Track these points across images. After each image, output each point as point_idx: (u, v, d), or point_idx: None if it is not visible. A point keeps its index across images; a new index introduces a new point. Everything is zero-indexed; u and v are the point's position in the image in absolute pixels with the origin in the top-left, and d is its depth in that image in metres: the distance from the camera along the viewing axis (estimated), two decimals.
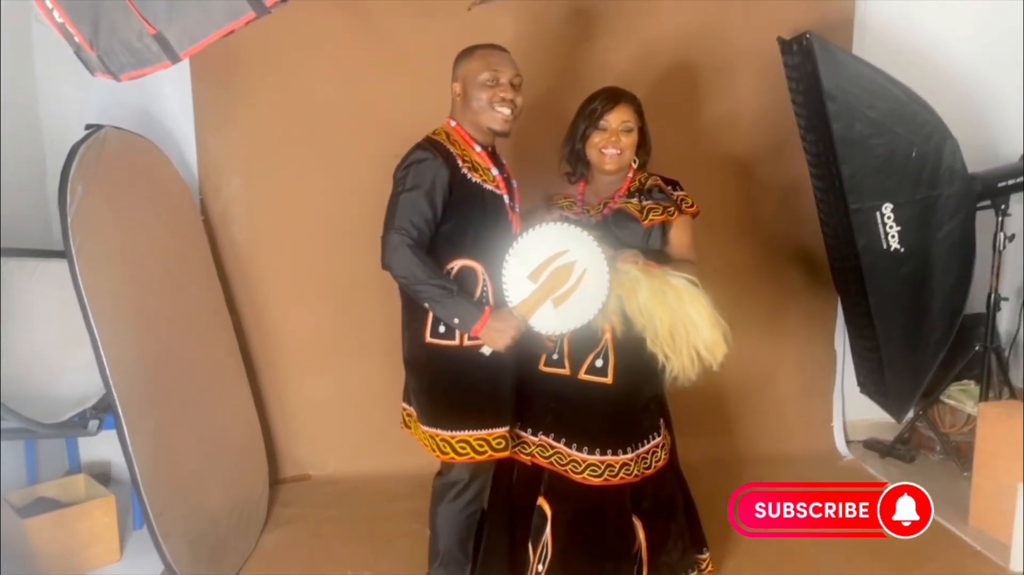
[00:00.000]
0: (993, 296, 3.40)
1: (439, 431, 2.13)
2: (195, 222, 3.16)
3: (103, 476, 3.21)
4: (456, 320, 2.03)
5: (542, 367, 2.34)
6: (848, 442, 3.80)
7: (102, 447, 3.25)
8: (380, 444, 3.41)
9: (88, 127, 2.55)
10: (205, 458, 2.71)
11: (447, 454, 2.13)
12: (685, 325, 2.15)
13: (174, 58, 1.52)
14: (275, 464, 3.42)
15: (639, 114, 2.39)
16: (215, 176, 3.30)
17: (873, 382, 3.49)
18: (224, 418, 2.95)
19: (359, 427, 3.48)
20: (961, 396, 3.53)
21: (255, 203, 3.35)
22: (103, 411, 2.64)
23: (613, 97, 2.36)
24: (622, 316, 2.16)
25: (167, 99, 3.24)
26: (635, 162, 2.39)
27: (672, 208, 2.35)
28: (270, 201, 3.35)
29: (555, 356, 2.32)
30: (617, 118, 2.34)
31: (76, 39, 1.45)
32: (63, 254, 2.29)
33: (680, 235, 2.39)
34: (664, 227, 2.36)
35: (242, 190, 3.33)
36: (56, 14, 1.43)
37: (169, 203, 2.93)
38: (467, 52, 2.22)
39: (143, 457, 2.25)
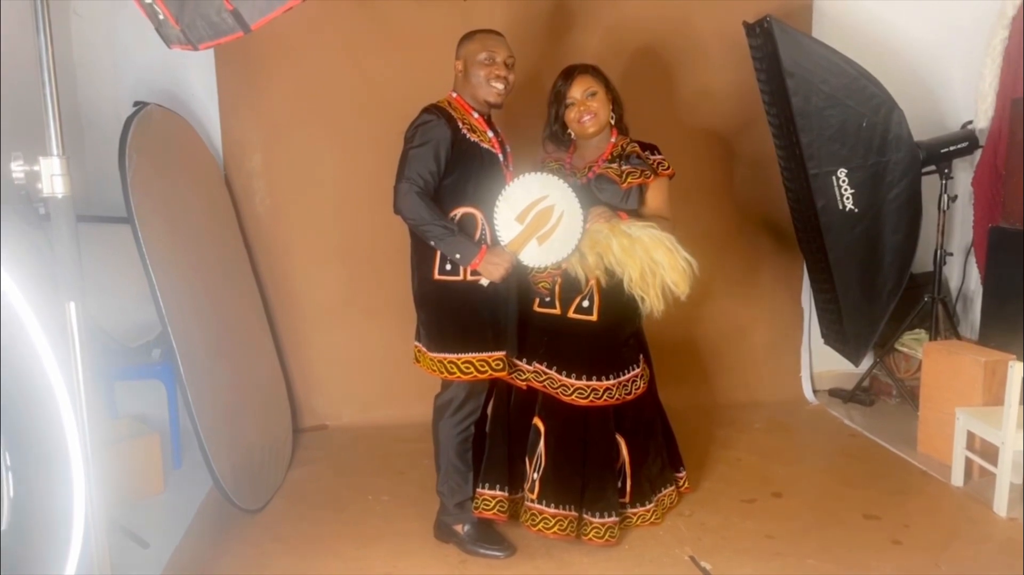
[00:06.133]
0: (939, 252, 3.77)
1: (446, 355, 2.48)
2: (223, 193, 3.51)
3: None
4: (458, 255, 2.39)
5: (536, 308, 2.70)
6: (815, 391, 4.17)
7: (136, 402, 3.61)
8: (390, 395, 3.79)
9: (136, 103, 2.87)
10: (240, 399, 3.05)
11: (453, 374, 2.49)
12: (652, 270, 2.52)
13: (246, 29, 1.84)
14: (295, 415, 3.77)
15: (599, 77, 2.69)
16: (238, 153, 3.65)
17: (834, 331, 3.86)
18: (254, 367, 3.30)
19: (371, 380, 3.84)
20: (914, 344, 3.88)
21: (274, 178, 3.70)
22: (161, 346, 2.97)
23: (569, 74, 2.69)
24: (604, 269, 2.53)
25: (191, 83, 3.61)
26: (613, 118, 2.71)
27: (648, 172, 2.68)
28: (287, 176, 3.71)
29: (547, 299, 2.68)
30: (579, 88, 2.66)
31: (161, 15, 1.78)
32: (116, 219, 2.61)
33: (655, 196, 2.71)
34: (642, 189, 2.69)
35: (262, 166, 3.69)
36: None
37: (202, 175, 3.27)
38: (468, 35, 2.57)
39: (194, 387, 2.58)
